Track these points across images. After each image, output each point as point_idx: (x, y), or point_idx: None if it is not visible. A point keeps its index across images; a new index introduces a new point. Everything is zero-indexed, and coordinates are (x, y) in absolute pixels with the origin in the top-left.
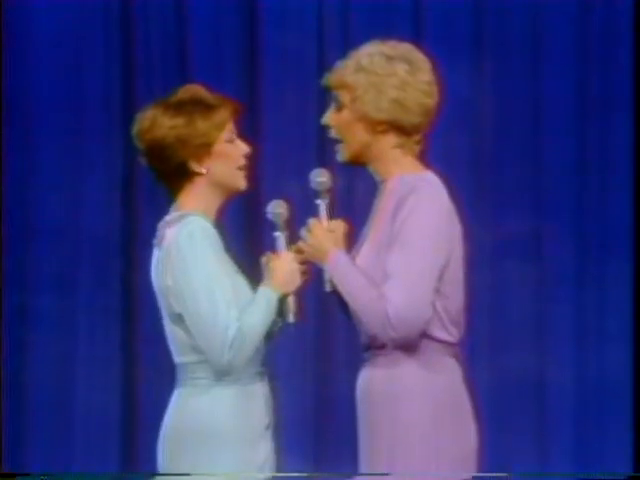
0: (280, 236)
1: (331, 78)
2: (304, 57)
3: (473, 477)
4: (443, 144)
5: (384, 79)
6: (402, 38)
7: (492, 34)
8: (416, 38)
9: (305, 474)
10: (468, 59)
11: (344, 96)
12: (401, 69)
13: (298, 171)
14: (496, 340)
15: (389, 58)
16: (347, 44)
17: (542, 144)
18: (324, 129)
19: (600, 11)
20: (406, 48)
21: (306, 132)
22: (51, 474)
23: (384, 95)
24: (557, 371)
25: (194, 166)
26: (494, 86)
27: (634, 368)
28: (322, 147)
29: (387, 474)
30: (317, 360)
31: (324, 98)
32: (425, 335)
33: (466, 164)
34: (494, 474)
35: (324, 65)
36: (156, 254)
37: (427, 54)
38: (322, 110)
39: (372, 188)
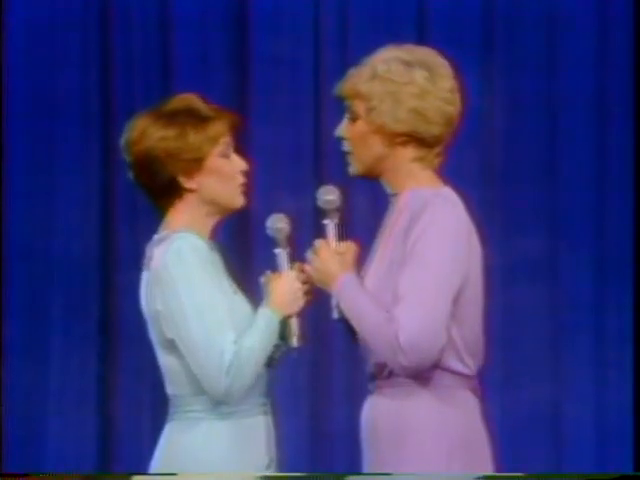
0: (281, 253)
1: (344, 87)
2: (299, 63)
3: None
4: (450, 158)
5: (402, 87)
6: (405, 42)
7: (504, 38)
8: (420, 43)
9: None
10: (478, 67)
11: (358, 106)
12: (420, 76)
13: (293, 187)
14: (508, 371)
15: (407, 64)
16: (346, 48)
17: (558, 158)
18: (320, 140)
19: (618, 12)
20: (425, 53)
21: (302, 144)
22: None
23: (402, 105)
24: (575, 403)
25: (184, 182)
26: (506, 95)
27: None
28: (319, 160)
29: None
30: (313, 392)
31: (321, 107)
32: (438, 366)
33: (475, 179)
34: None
35: (321, 71)
36: (145, 276)
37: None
38: (319, 120)
39: (376, 201)
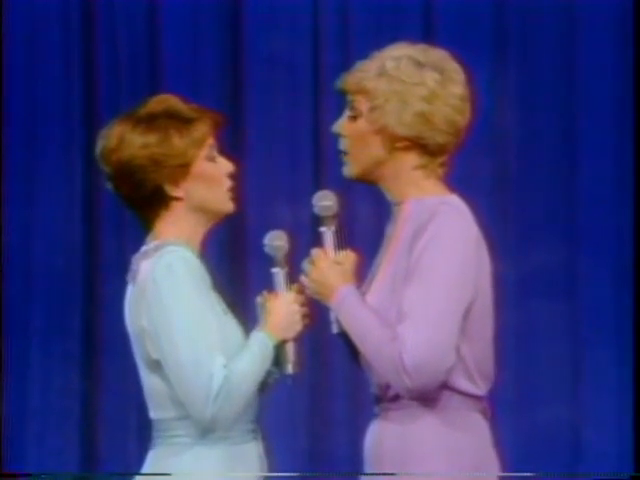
0: (279, 273)
1: (348, 80)
2: (297, 62)
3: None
4: (460, 165)
5: (410, 88)
6: (409, 41)
7: (516, 37)
8: (426, 42)
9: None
10: (488, 67)
11: (361, 103)
12: (431, 78)
13: (290, 194)
14: (522, 391)
15: (418, 64)
16: (347, 47)
17: (576, 163)
18: (319, 146)
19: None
20: (438, 54)
21: (299, 148)
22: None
23: (408, 107)
24: (594, 426)
25: (170, 190)
26: (519, 98)
27: None
28: (317, 165)
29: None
30: (310, 415)
31: (319, 109)
32: (446, 386)
33: (487, 188)
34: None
35: (320, 71)
36: (130, 291)
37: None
38: (317, 123)
39: (376, 208)
